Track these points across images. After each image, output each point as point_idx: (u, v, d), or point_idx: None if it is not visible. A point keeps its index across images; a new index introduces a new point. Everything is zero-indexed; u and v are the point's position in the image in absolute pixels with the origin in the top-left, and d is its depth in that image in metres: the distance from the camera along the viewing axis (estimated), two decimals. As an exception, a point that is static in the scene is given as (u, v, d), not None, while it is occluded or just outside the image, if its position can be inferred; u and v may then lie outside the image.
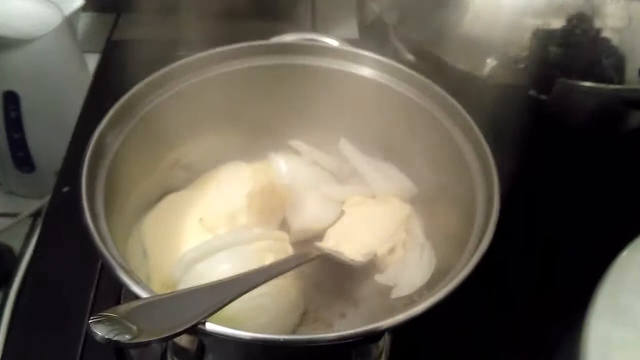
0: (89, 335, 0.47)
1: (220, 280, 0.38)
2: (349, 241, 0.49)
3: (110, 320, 0.31)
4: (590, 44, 0.49)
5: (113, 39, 0.95)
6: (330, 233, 0.51)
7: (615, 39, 0.49)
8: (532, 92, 0.50)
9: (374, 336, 0.38)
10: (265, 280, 0.39)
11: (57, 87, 0.78)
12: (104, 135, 0.43)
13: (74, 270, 0.52)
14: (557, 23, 0.49)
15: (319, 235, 0.51)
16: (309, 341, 0.35)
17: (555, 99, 0.49)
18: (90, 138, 0.42)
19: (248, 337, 0.34)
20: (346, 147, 0.56)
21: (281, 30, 0.57)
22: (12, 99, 0.76)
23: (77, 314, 0.50)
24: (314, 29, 0.58)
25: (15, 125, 0.78)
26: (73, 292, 0.51)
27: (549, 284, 0.54)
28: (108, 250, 0.37)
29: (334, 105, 0.54)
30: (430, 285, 0.47)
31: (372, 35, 0.62)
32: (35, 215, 0.81)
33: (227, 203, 0.50)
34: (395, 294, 0.48)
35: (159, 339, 0.32)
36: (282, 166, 0.55)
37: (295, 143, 0.56)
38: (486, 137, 0.45)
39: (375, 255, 0.49)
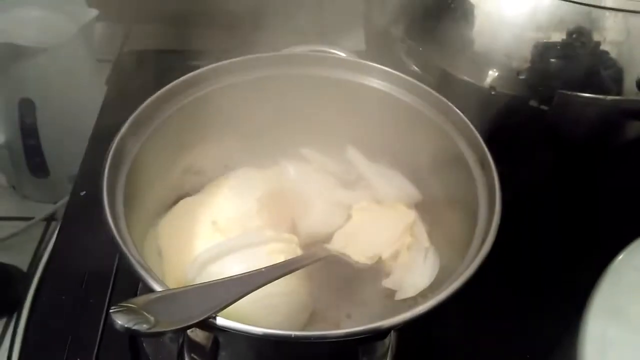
0: (105, 333, 0.50)
1: (232, 276, 0.39)
2: (355, 244, 0.50)
3: (129, 311, 0.32)
4: (589, 57, 0.50)
5: (126, 49, 0.96)
6: (337, 236, 0.51)
7: (613, 52, 0.49)
8: (533, 103, 0.51)
9: (380, 333, 0.39)
10: (276, 278, 0.40)
11: (72, 94, 0.79)
12: (124, 140, 0.44)
13: (90, 268, 0.54)
14: (558, 36, 0.50)
15: (327, 239, 0.51)
16: (319, 337, 0.36)
17: (556, 109, 0.50)
18: (111, 143, 0.43)
19: (260, 333, 0.35)
20: (353, 154, 0.57)
21: (291, 42, 0.58)
22: (27, 106, 0.77)
23: (95, 311, 0.51)
24: (322, 41, 0.59)
25: (30, 131, 0.79)
26: (90, 288, 0.53)
27: (548, 286, 0.55)
28: (128, 248, 0.38)
29: (342, 114, 0.55)
30: (434, 287, 0.47)
31: (379, 47, 0.63)
32: (49, 219, 0.83)
33: (238, 207, 0.50)
34: (400, 296, 0.49)
35: (174, 330, 0.33)
36: (292, 172, 0.56)
37: (304, 150, 0.57)
38: (489, 146, 0.46)
39: (380, 258, 0.50)
